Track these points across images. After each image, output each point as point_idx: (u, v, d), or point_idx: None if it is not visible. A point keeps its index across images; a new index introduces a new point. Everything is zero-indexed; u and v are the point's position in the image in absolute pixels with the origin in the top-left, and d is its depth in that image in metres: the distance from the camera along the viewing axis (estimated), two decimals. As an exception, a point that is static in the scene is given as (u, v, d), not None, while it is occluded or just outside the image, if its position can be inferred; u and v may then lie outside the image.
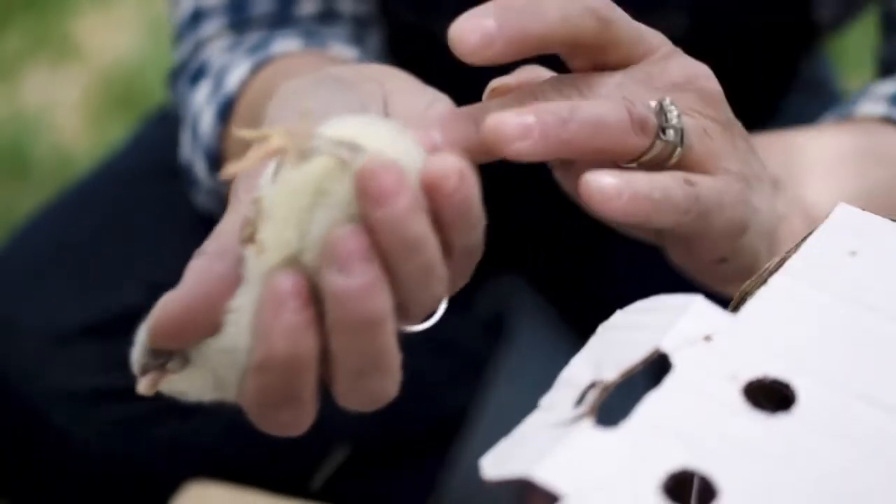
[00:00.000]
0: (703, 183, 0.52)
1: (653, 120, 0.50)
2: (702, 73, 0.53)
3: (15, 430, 0.85)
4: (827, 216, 0.50)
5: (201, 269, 0.45)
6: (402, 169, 0.43)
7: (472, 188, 0.44)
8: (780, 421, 0.41)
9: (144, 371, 0.47)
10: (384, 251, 0.43)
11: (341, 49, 0.78)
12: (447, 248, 0.45)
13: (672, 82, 0.52)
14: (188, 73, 0.82)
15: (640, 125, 0.50)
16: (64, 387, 0.84)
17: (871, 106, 0.68)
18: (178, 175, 0.84)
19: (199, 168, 0.79)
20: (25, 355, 0.85)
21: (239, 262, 0.45)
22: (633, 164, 0.51)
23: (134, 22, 1.81)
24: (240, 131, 0.45)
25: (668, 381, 0.42)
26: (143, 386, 0.47)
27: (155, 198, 0.90)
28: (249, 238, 0.45)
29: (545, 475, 0.39)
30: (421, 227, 0.43)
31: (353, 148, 0.43)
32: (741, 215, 0.54)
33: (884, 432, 0.41)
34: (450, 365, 0.91)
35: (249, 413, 0.47)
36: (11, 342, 0.84)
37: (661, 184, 0.50)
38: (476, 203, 0.45)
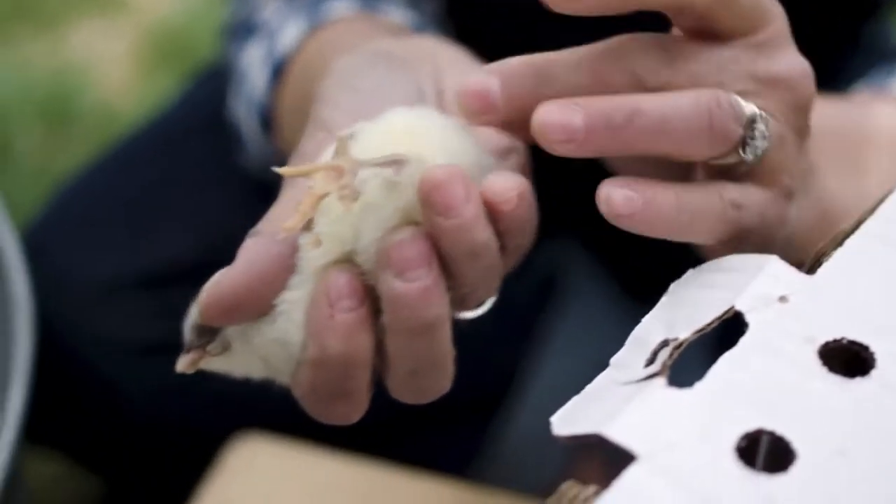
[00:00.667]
0: (751, 207, 0.47)
1: (737, 133, 0.46)
2: (804, 74, 0.49)
3: (64, 383, 0.86)
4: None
5: (256, 249, 0.45)
6: (468, 178, 0.43)
7: (529, 206, 0.44)
8: (858, 385, 0.40)
9: (189, 349, 0.48)
10: (447, 256, 0.44)
11: (397, 13, 0.76)
12: (501, 247, 0.45)
13: (774, 77, 0.47)
14: (240, 29, 0.81)
15: (720, 135, 0.45)
16: (113, 339, 0.84)
17: None
18: (226, 131, 0.84)
19: (248, 126, 0.78)
20: (74, 307, 0.85)
21: (293, 247, 0.45)
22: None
23: (181, -24, 1.81)
24: (279, 169, 0.45)
25: (743, 342, 0.41)
26: (183, 364, 0.47)
27: (204, 153, 0.90)
28: (306, 227, 0.45)
29: (617, 434, 0.38)
30: (485, 235, 0.44)
31: (397, 162, 0.44)
32: (773, 231, 0.51)
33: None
34: (502, 325, 0.91)
35: (302, 403, 0.47)
36: (61, 294, 0.85)
37: (695, 206, 0.45)
38: (532, 217, 0.45)
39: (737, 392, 0.40)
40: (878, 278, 0.44)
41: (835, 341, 0.41)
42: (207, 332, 0.47)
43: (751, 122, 0.46)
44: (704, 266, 0.46)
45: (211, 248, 0.86)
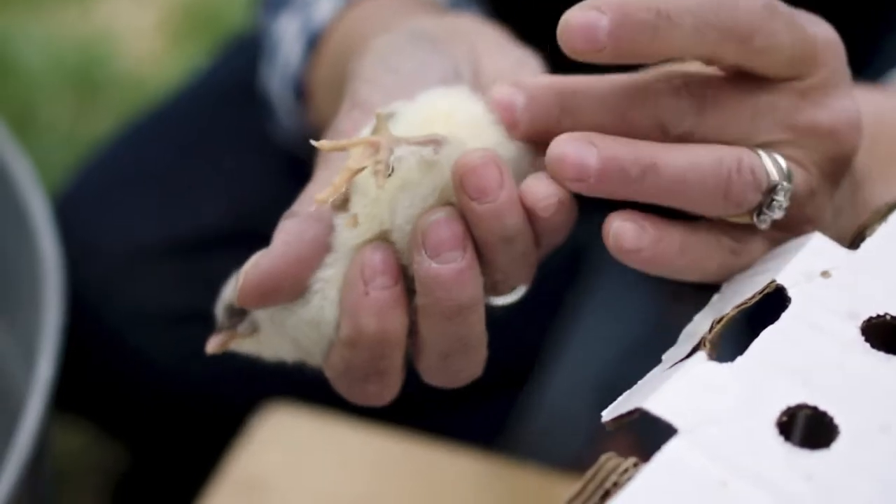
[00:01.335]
0: (749, 254, 0.46)
1: (754, 202, 0.44)
2: (850, 124, 0.45)
3: (92, 350, 0.86)
4: None
5: (293, 231, 0.45)
6: (503, 163, 0.43)
7: (568, 212, 0.44)
8: (901, 361, 0.39)
9: (219, 329, 0.48)
10: (480, 241, 0.44)
11: None
12: (536, 241, 0.45)
13: (815, 126, 0.45)
14: (273, 0, 0.81)
15: (735, 203, 0.43)
16: (142, 307, 0.84)
17: None
18: (257, 101, 0.84)
19: (281, 98, 0.78)
20: (104, 275, 0.85)
21: (330, 228, 0.45)
22: None
23: (211, -54, 1.80)
24: (317, 143, 0.45)
25: (785, 316, 0.41)
26: (213, 345, 0.48)
27: (234, 122, 0.90)
28: (342, 207, 0.45)
29: (658, 408, 0.38)
30: (518, 221, 0.43)
31: (436, 141, 0.44)
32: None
33: None
34: (531, 301, 0.90)
35: (335, 384, 0.47)
36: (90, 262, 0.85)
37: (696, 252, 0.45)
38: (570, 221, 0.45)
39: (778, 366, 0.39)
40: (923, 254, 0.43)
41: (878, 317, 0.41)
42: (238, 313, 0.47)
43: (770, 190, 0.44)
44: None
45: (239, 217, 0.86)
